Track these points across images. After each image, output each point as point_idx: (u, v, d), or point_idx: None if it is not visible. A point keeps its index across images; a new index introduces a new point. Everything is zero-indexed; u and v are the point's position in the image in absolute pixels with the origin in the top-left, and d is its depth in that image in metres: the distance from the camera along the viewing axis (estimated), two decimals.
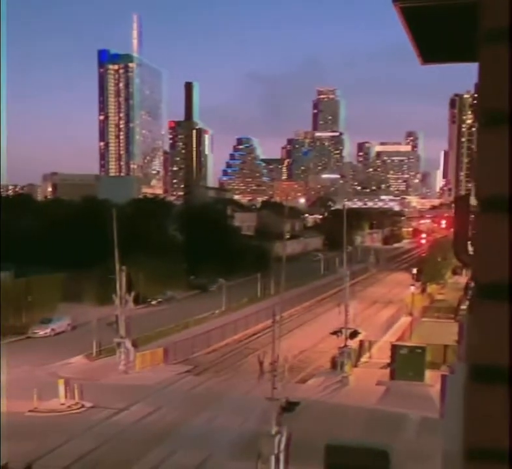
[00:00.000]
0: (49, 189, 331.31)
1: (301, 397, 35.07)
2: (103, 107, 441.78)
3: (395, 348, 44.32)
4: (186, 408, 36.90)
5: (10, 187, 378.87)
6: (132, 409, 36.54)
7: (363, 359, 48.95)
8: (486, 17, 1.06)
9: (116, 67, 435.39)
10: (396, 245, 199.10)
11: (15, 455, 29.06)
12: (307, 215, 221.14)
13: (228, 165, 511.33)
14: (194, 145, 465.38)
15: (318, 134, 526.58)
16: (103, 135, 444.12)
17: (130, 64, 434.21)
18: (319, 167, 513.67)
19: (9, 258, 73.41)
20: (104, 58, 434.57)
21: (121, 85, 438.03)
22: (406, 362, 42.38)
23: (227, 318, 64.26)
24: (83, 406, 36.95)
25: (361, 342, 49.86)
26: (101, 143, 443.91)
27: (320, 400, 38.23)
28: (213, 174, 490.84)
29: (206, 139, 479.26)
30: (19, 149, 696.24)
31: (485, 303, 1.03)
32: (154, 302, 75.69)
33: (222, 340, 55.46)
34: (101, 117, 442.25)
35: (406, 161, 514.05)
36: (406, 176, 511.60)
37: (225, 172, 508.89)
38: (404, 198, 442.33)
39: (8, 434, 31.90)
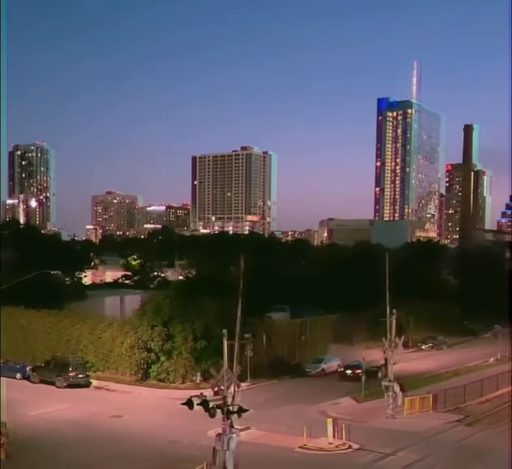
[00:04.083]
0: (325, 234, 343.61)
1: None
2: (380, 153, 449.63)
3: None
4: (455, 460, 35.35)
5: (290, 232, 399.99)
6: (399, 454, 35.92)
7: None
8: None
9: (394, 114, 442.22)
10: None
11: None
12: None
13: (508, 207, 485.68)
14: (471, 188, 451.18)
15: None
16: (379, 180, 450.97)
17: (409, 111, 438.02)
18: None
19: (286, 299, 77.54)
20: (383, 106, 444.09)
21: (399, 131, 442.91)
22: None
23: (503, 367, 60.51)
24: (350, 446, 37.15)
25: None
26: (377, 189, 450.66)
27: None
28: (491, 217, 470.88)
29: (485, 180, 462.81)
30: (300, 197, 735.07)
31: None
32: (424, 347, 74.27)
33: (496, 390, 52.18)
34: (378, 163, 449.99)
35: None
36: None
37: (503, 214, 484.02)
38: None
39: (280, 467, 33.49)
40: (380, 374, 46.30)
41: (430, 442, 38.92)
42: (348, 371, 58.04)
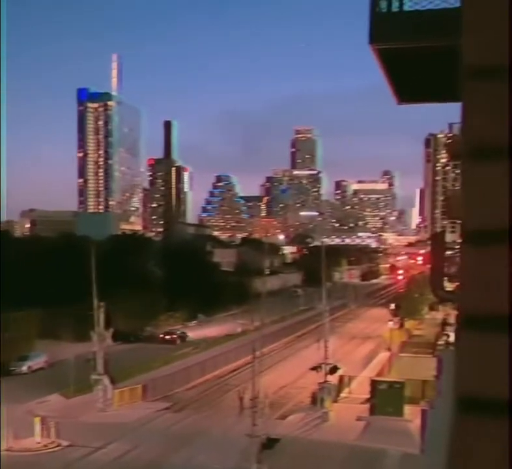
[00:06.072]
0: (27, 225, 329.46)
1: (282, 433, 35.03)
2: (82, 144, 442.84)
3: (374, 384, 44.36)
4: (165, 446, 36.41)
5: None
6: (109, 447, 36.00)
7: (343, 394, 48.79)
8: (469, 56, 1.06)
9: (95, 105, 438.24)
10: (374, 281, 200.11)
11: None
12: (286, 251, 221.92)
13: (208, 202, 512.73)
14: (173, 182, 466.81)
15: (296, 172, 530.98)
16: (82, 172, 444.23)
17: (109, 103, 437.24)
18: (297, 205, 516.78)
19: None
20: (83, 96, 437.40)
21: (100, 122, 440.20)
22: (386, 397, 42.38)
23: (207, 353, 63.78)
24: (59, 444, 36.37)
25: (341, 378, 49.73)
26: (80, 180, 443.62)
27: (300, 436, 37.98)
28: (192, 211, 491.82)
29: (185, 176, 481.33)
30: None
31: (474, 334, 1.08)
32: (133, 338, 74.97)
33: (202, 376, 54.92)
34: (80, 154, 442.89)
35: (383, 198, 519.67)
36: (382, 213, 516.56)
37: (204, 209, 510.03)
38: (381, 235, 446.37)
39: None
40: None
41: (140, 432, 39.56)
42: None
